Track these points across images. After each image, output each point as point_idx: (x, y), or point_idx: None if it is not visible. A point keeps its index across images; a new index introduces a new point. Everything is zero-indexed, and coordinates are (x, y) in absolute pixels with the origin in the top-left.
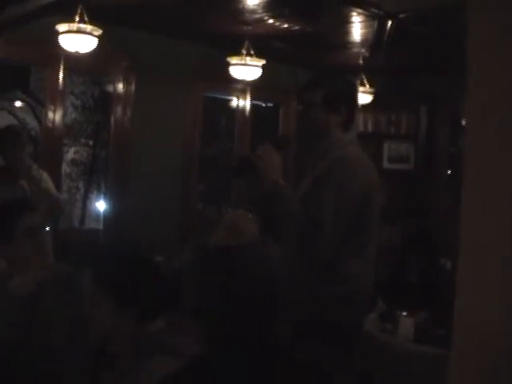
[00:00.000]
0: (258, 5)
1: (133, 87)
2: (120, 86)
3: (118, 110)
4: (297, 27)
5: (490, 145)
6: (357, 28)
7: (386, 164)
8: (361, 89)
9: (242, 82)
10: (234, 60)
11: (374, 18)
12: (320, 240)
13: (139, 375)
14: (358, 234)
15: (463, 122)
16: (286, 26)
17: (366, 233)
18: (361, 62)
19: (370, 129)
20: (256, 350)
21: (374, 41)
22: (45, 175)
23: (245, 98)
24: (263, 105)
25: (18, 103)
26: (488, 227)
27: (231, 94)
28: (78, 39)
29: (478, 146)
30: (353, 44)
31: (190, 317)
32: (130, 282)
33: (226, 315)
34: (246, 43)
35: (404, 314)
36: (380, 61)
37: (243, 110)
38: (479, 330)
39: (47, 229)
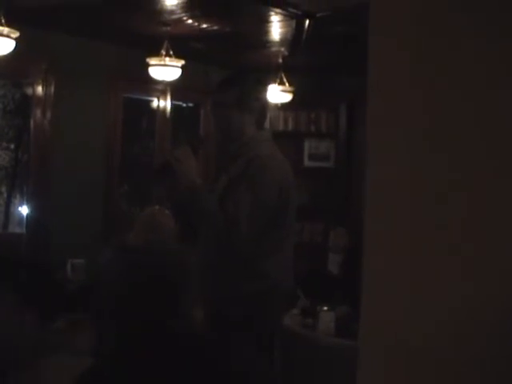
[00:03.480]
0: (176, 5)
1: (52, 89)
2: (39, 89)
3: (38, 112)
4: (216, 27)
5: (391, 144)
6: (275, 27)
7: (306, 162)
8: (280, 87)
9: (162, 82)
10: (153, 61)
11: (292, 17)
12: (236, 238)
13: (35, 373)
14: (274, 232)
15: None
16: (204, 26)
17: (282, 230)
18: (280, 60)
19: (290, 127)
20: (169, 349)
21: (293, 40)
22: None
23: (165, 99)
24: (184, 105)
25: None
26: (391, 225)
27: (151, 95)
28: None
29: (379, 146)
30: (272, 43)
31: (100, 317)
32: (28, 283)
33: (139, 314)
34: (165, 44)
35: (325, 308)
36: (299, 59)
37: (164, 110)
38: (384, 324)
39: None
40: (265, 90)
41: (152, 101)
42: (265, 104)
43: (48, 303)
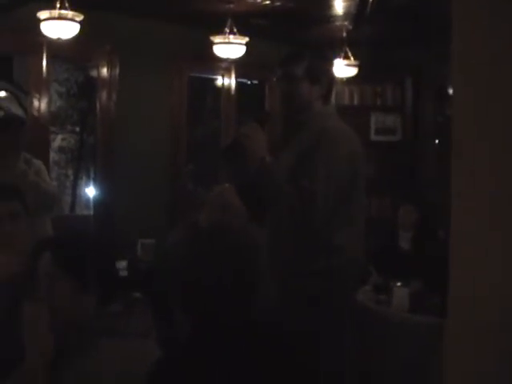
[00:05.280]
0: None
1: (117, 71)
2: (104, 71)
3: (103, 94)
4: (278, 3)
5: (477, 113)
6: (339, 1)
7: (373, 136)
8: (345, 62)
9: (226, 60)
10: (217, 39)
11: None
12: (312, 213)
13: (91, 357)
14: (347, 205)
15: (450, 91)
16: (267, 2)
17: (354, 204)
18: (344, 35)
19: (355, 102)
20: (245, 330)
21: (357, 13)
22: (36, 166)
23: (230, 77)
24: (248, 82)
25: (1, 93)
26: (478, 196)
27: (216, 73)
28: (59, 26)
29: (464, 115)
30: (335, 17)
31: (166, 301)
32: (90, 266)
33: (218, 295)
34: (229, 21)
35: (398, 284)
36: (364, 33)
37: (228, 88)
38: (473, 301)
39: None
40: (331, 64)
41: (216, 79)
42: (332, 78)
43: (107, 287)
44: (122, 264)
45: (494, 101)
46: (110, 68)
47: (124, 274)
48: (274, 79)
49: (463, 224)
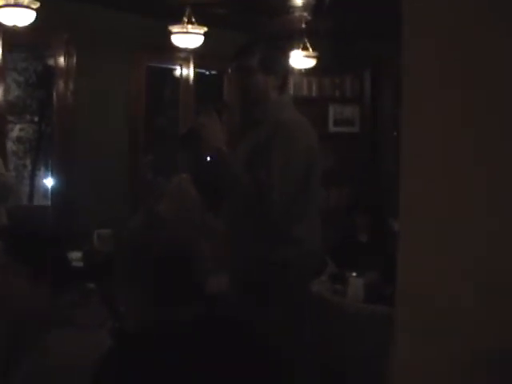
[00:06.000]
0: None
1: (74, 60)
2: (61, 60)
3: (61, 84)
4: None
5: (425, 105)
6: None
7: (331, 127)
8: (304, 53)
9: (185, 50)
10: (175, 28)
11: None
12: (268, 205)
13: (47, 347)
14: (303, 196)
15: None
16: None
17: (311, 196)
18: (303, 25)
19: (314, 93)
20: (199, 321)
21: (316, 4)
22: None
23: (188, 67)
24: (207, 73)
25: None
26: (424, 188)
27: (174, 63)
28: (15, 13)
29: (413, 108)
30: (295, 8)
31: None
32: (42, 256)
33: (173, 286)
34: (187, 11)
35: (353, 274)
36: (323, 24)
37: (187, 78)
38: (420, 288)
39: None
40: (286, 54)
41: (175, 69)
42: (287, 68)
43: (59, 277)
44: (76, 254)
45: (443, 98)
46: (68, 57)
47: (79, 264)
48: (229, 71)
49: (411, 213)
